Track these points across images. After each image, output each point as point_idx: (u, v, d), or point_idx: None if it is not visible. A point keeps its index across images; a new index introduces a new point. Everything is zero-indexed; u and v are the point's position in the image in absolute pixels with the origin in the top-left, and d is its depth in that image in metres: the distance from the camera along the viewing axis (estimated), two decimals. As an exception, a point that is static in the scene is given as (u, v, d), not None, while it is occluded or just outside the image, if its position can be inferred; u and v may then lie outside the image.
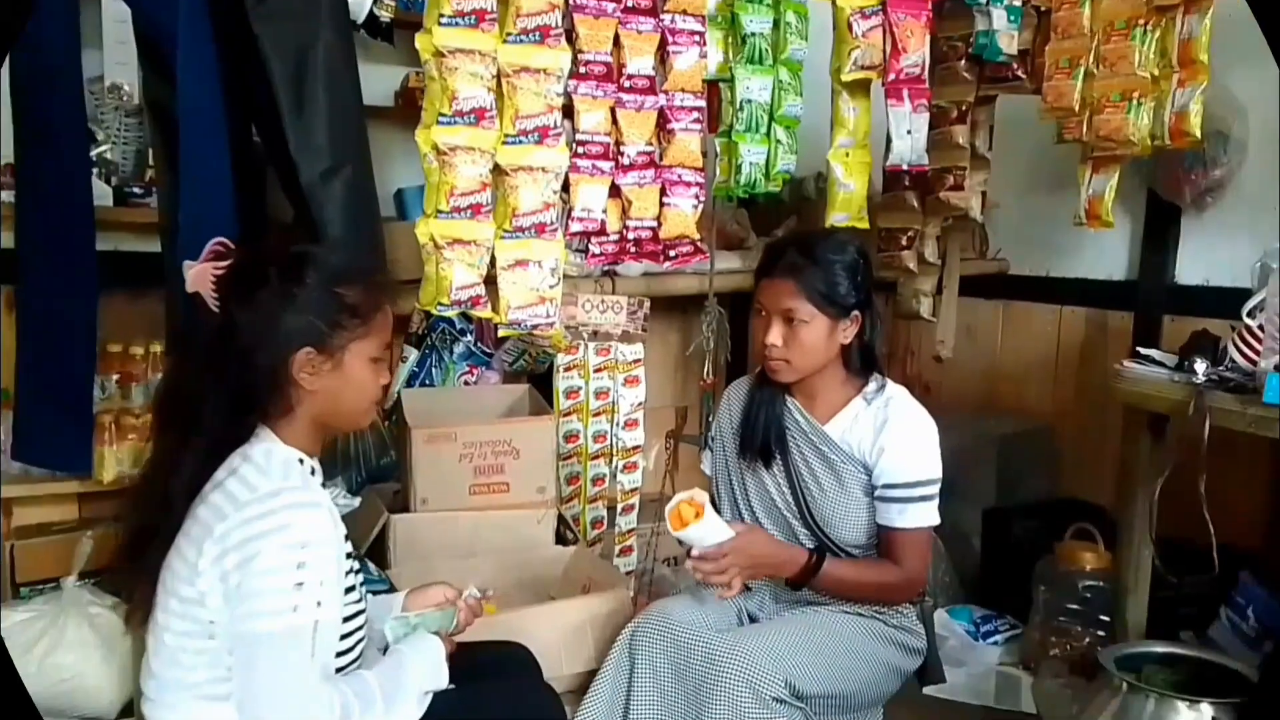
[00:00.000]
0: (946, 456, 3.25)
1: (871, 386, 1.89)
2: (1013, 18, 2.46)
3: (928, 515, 1.83)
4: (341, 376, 1.43)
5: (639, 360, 2.77)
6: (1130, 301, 3.12)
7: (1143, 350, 2.38)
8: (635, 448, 2.78)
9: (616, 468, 2.76)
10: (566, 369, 2.69)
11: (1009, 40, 2.47)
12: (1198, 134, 2.22)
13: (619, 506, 2.79)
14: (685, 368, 3.53)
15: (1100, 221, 2.50)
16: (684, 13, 2.08)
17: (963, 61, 2.64)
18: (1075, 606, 2.65)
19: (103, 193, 2.45)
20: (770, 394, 1.93)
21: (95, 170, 2.48)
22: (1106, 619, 2.59)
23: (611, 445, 2.75)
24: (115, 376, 2.42)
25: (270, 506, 1.33)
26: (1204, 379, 2.13)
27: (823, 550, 1.84)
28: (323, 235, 1.70)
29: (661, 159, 2.12)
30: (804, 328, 1.79)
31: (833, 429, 1.88)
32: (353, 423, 1.52)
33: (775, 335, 1.80)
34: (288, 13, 1.64)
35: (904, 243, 2.88)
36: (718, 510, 1.88)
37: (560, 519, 2.39)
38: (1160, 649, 2.13)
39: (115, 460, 2.40)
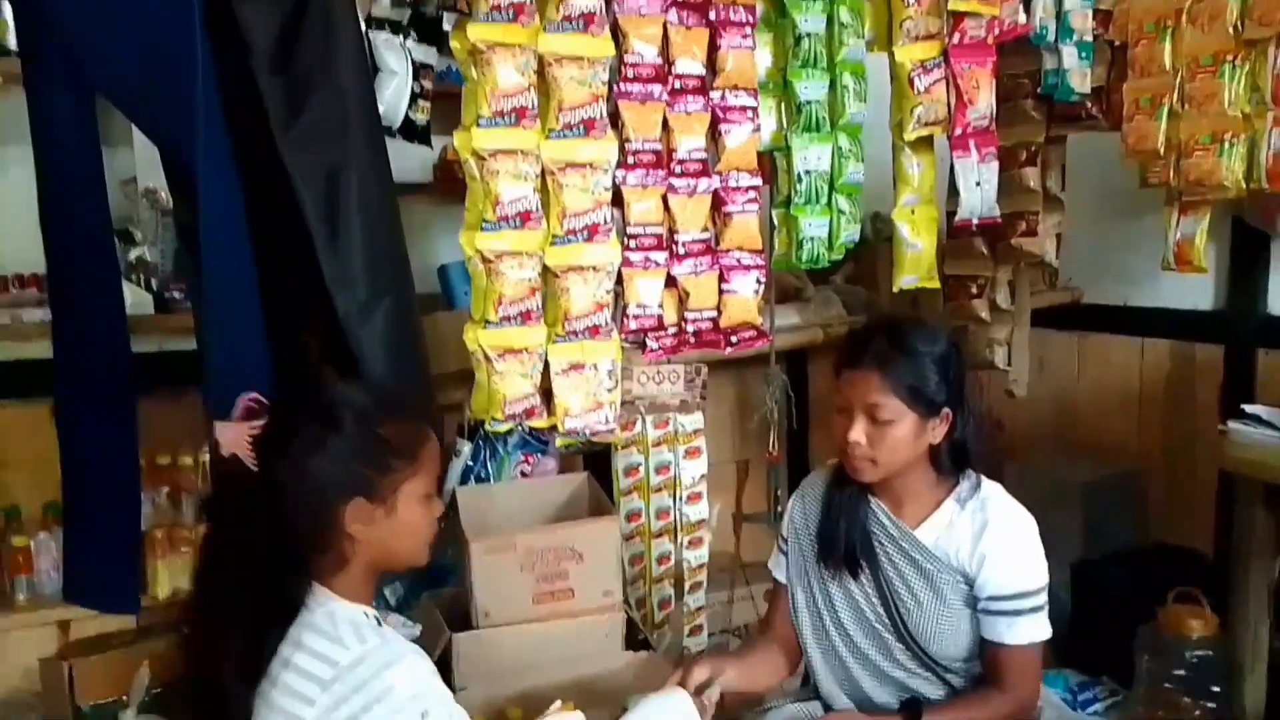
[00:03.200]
0: (1028, 502, 3.10)
1: (964, 487, 1.71)
2: (1084, 54, 2.29)
3: (1039, 629, 1.66)
4: (395, 521, 1.33)
5: (699, 430, 2.64)
6: (1219, 334, 2.93)
7: (1248, 408, 2.20)
8: (700, 522, 2.65)
9: (682, 544, 2.64)
10: (625, 446, 2.57)
11: (1081, 79, 2.30)
12: (1300, 177, 2.04)
13: (686, 584, 2.68)
14: (744, 418, 3.40)
15: (1191, 266, 2.32)
16: (734, 88, 1.95)
17: (1030, 99, 2.48)
18: (1183, 673, 2.48)
19: (142, 300, 2.38)
20: (852, 495, 1.77)
21: (135, 275, 2.43)
22: (1218, 690, 2.41)
23: (676, 521, 2.64)
24: (165, 489, 2.37)
25: (362, 678, 1.24)
26: (1324, 444, 1.96)
27: (916, 705, 1.68)
28: (363, 371, 1.60)
29: (718, 244, 1.99)
30: (890, 425, 1.62)
31: (925, 535, 1.69)
32: (409, 565, 1.42)
33: (859, 433, 1.63)
34: (318, 136, 1.54)
35: (974, 291, 2.72)
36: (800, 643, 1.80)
37: (629, 622, 2.28)
38: (1286, 736, 1.96)
39: (169, 575, 2.35)
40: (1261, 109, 2.08)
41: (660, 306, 1.95)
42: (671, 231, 1.94)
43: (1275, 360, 2.79)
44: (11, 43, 2.15)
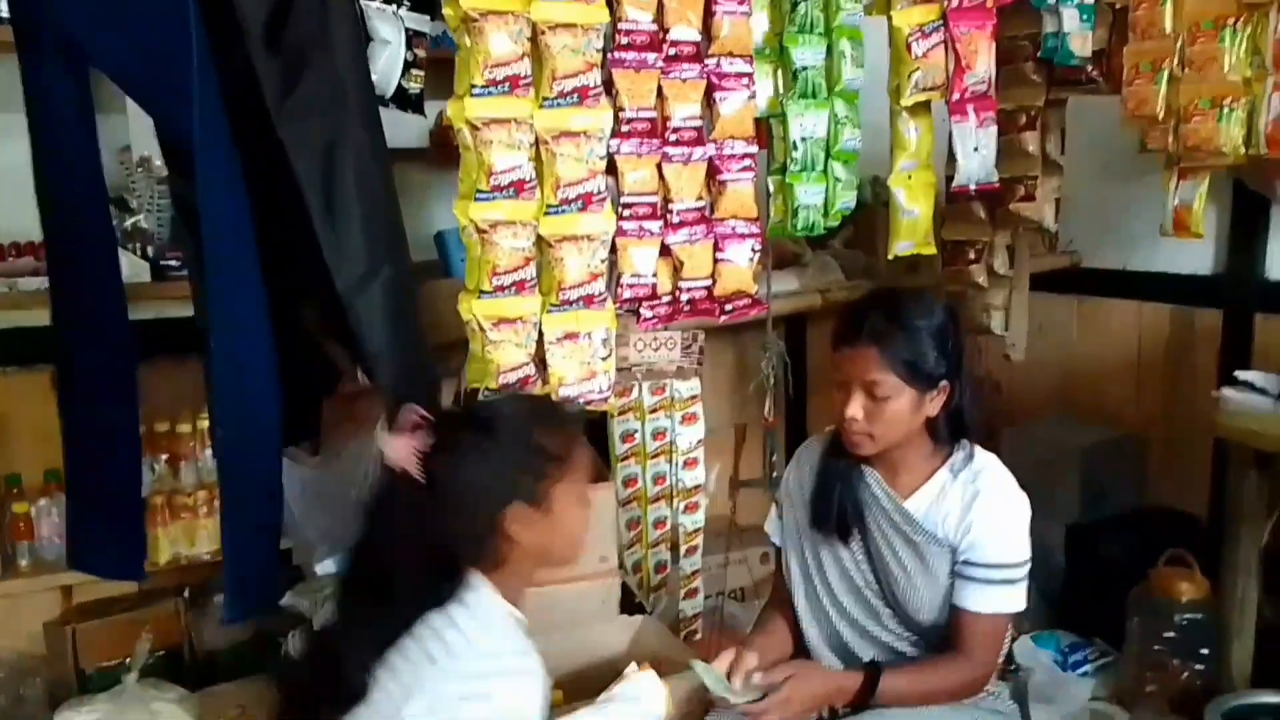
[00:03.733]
0: (1027, 466, 3.11)
1: (959, 457, 1.71)
2: (1085, 17, 2.26)
3: (1008, 600, 1.66)
4: (553, 523, 1.40)
5: (695, 396, 2.65)
6: (1218, 298, 2.92)
7: (1240, 375, 2.20)
8: (696, 487, 2.67)
9: (678, 509, 2.67)
10: (621, 413, 2.58)
11: (1082, 42, 2.27)
12: (1300, 143, 2.02)
13: (682, 548, 2.70)
14: (742, 383, 3.41)
15: (1189, 232, 2.31)
16: (730, 54, 1.93)
17: (1030, 62, 2.44)
18: (1172, 635, 2.51)
19: (139, 268, 2.38)
20: (847, 465, 1.77)
21: (131, 244, 2.42)
22: (1206, 652, 2.45)
23: (672, 486, 2.65)
24: (164, 457, 2.39)
25: (485, 668, 1.31)
26: (1315, 413, 1.97)
27: (876, 666, 1.68)
28: (362, 342, 1.60)
29: (713, 212, 1.98)
30: (888, 401, 1.62)
31: (916, 505, 1.71)
32: (563, 564, 1.53)
33: (856, 408, 1.64)
34: (312, 109, 1.53)
35: (972, 256, 2.71)
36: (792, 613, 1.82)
37: (624, 587, 2.30)
38: (1271, 699, 1.99)
39: (169, 541, 2.38)
40: (1261, 74, 2.06)
41: (654, 276, 1.94)
42: (666, 200, 1.93)
43: (1273, 325, 2.78)
44: (3, 10, 2.14)
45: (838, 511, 1.77)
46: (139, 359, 2.05)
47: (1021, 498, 1.70)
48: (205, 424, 2.37)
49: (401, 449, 1.37)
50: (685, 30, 1.88)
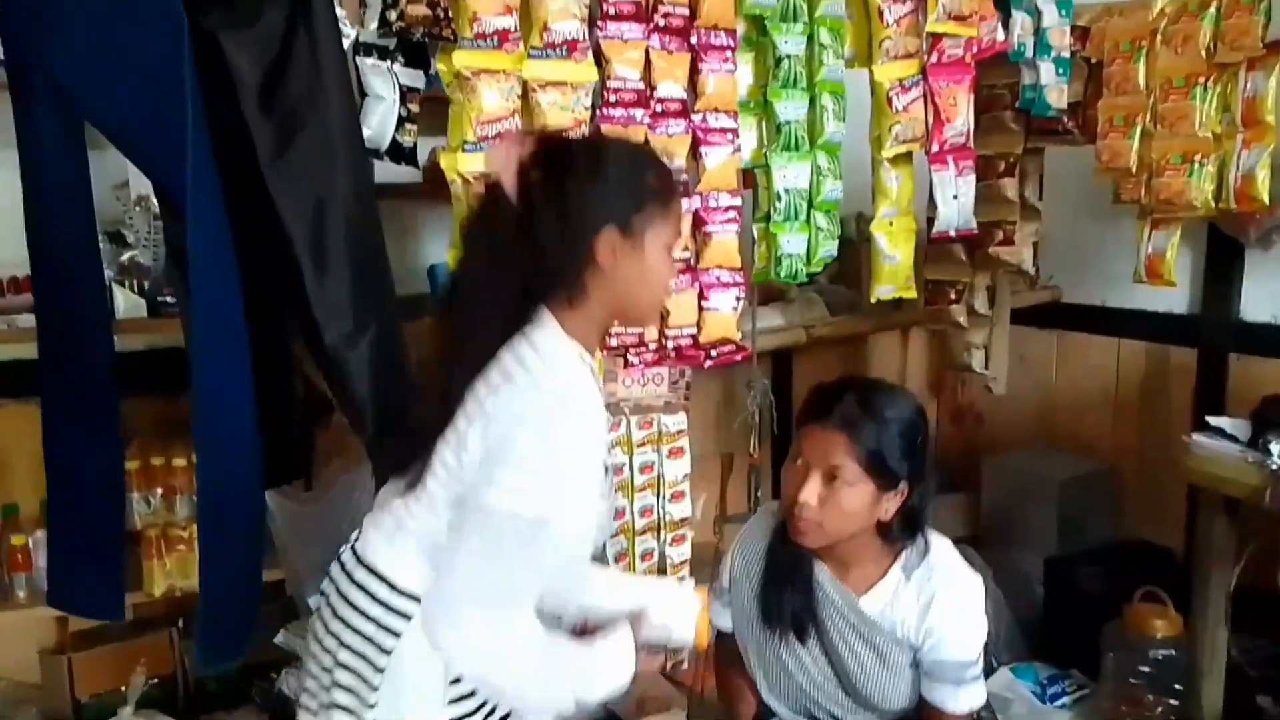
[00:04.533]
0: (1006, 497, 3.12)
1: (911, 553, 1.66)
2: (1061, 70, 2.33)
3: (979, 694, 1.68)
4: (641, 261, 1.36)
5: (683, 431, 2.69)
6: (1193, 337, 2.98)
7: (1212, 420, 2.26)
8: (683, 520, 2.72)
9: (665, 541, 2.71)
10: (609, 447, 2.63)
11: (1058, 94, 2.34)
12: (1265, 199, 2.10)
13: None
14: (728, 412, 3.46)
15: (1162, 280, 2.38)
16: (715, 110, 1.98)
17: (1009, 111, 2.52)
18: (1147, 670, 2.57)
19: (135, 303, 2.42)
20: (794, 556, 1.69)
21: (127, 279, 2.46)
22: (1179, 687, 2.50)
23: (659, 519, 2.70)
24: (159, 490, 2.42)
25: (542, 400, 1.29)
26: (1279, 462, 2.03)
27: None
28: (347, 393, 1.65)
29: (698, 262, 2.04)
30: (846, 490, 1.56)
31: (870, 605, 1.67)
32: (641, 315, 1.51)
33: (811, 493, 1.57)
34: (305, 169, 1.57)
35: (953, 296, 2.77)
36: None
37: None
38: (1240, 737, 2.05)
39: (163, 574, 2.41)
40: (1232, 130, 2.13)
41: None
42: (652, 250, 1.98)
43: (1247, 366, 2.85)
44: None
45: (790, 610, 1.71)
46: (132, 392, 2.08)
47: (976, 588, 1.68)
48: (196, 458, 2.40)
49: (501, 157, 1.35)
50: (672, 87, 1.94)
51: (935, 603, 1.63)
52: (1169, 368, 3.07)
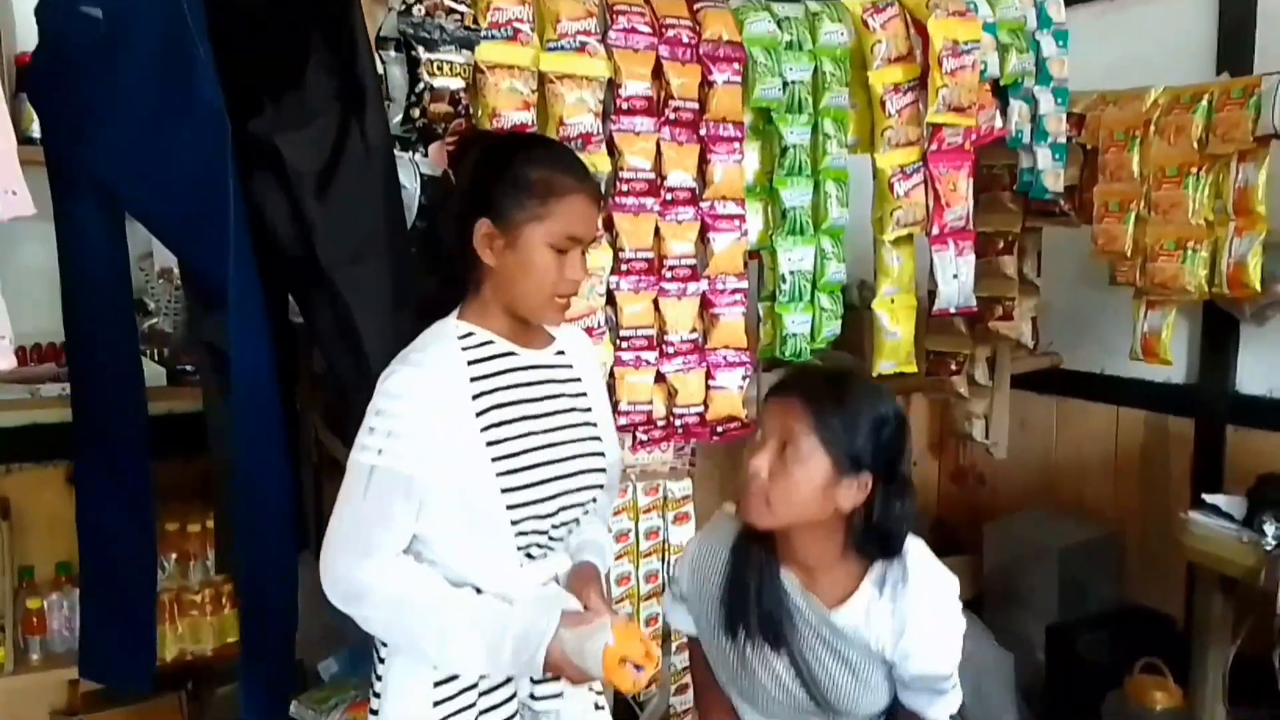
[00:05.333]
0: (1008, 562, 3.10)
1: (880, 566, 1.55)
2: (1058, 156, 2.40)
3: (956, 701, 1.60)
4: (516, 256, 1.40)
5: (688, 496, 2.75)
6: (1191, 408, 3.03)
7: (1208, 498, 2.30)
8: (688, 585, 2.76)
9: (670, 607, 2.75)
10: (615, 512, 2.68)
11: (1054, 178, 2.41)
12: (1257, 286, 2.16)
13: (674, 643, 2.78)
14: (733, 475, 3.50)
15: (1157, 359, 2.43)
16: (723, 198, 2.06)
17: (1007, 192, 2.59)
18: (1147, 742, 2.59)
19: (155, 372, 2.48)
20: (760, 560, 1.58)
21: (148, 346, 2.53)
22: (1180, 759, 2.52)
23: (664, 583, 2.74)
24: (173, 555, 2.46)
25: (392, 367, 1.40)
26: (1274, 543, 2.07)
27: None
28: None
29: (705, 342, 2.10)
30: (798, 465, 1.44)
31: (842, 619, 1.56)
32: (533, 312, 1.46)
33: (764, 460, 1.46)
34: (362, 252, 1.66)
35: (953, 367, 2.83)
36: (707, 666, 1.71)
37: (617, 697, 2.37)
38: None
39: (175, 638, 2.45)
40: (1224, 218, 2.20)
41: (650, 403, 2.05)
42: (661, 332, 2.05)
43: (1244, 438, 2.89)
44: (34, 131, 2.25)
45: (757, 617, 1.59)
46: (149, 457, 2.13)
47: (951, 594, 1.58)
48: (212, 524, 2.45)
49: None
50: (681, 176, 2.01)
51: (911, 620, 1.52)
52: (1167, 437, 3.12)
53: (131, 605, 2.03)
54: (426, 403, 1.36)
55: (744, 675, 1.65)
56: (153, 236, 2.58)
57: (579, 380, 1.54)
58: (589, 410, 1.54)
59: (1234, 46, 2.71)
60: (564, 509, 1.46)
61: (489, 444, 1.39)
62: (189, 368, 2.52)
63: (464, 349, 1.42)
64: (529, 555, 1.45)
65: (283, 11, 1.58)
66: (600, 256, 1.94)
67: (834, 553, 1.54)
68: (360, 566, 1.35)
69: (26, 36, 2.31)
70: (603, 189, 1.94)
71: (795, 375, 1.58)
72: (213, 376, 2.04)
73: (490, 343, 1.44)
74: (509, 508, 1.39)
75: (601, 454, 1.53)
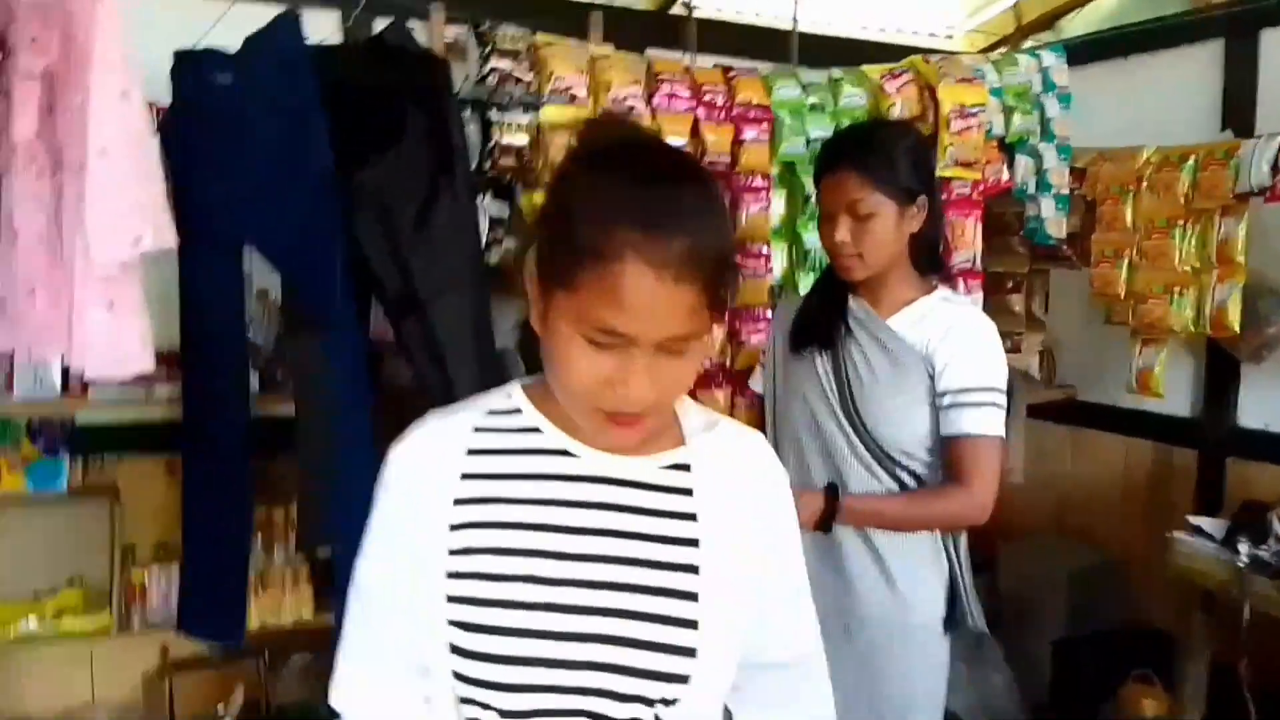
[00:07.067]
0: (1021, 584, 3.29)
1: (939, 292, 1.76)
2: (1060, 206, 2.65)
3: (994, 423, 1.65)
4: (549, 338, 0.89)
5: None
6: (1194, 440, 3.23)
7: (1192, 519, 2.52)
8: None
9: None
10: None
11: (1058, 226, 2.65)
12: (1236, 329, 2.37)
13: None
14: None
15: (1151, 392, 2.65)
16: (752, 240, 2.34)
17: (1015, 236, 2.83)
18: (1138, 748, 2.79)
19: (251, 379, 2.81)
20: (831, 289, 1.79)
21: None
22: (1166, 764, 2.72)
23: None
24: (259, 537, 2.80)
25: None
26: (1247, 560, 2.28)
27: (834, 488, 1.70)
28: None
29: (732, 365, 2.38)
30: (873, 219, 1.65)
31: (896, 322, 1.73)
32: (581, 422, 0.92)
33: (844, 232, 1.66)
34: (455, 281, 1.94)
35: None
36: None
37: None
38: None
39: (259, 611, 2.77)
40: (1207, 266, 2.43)
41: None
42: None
43: (1242, 470, 3.08)
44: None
45: (817, 324, 1.78)
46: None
47: (993, 328, 1.74)
48: (295, 513, 2.78)
49: None
50: (714, 221, 2.30)
51: (957, 327, 1.69)
52: (1172, 467, 3.31)
53: (227, 573, 2.35)
54: (397, 497, 0.97)
55: (794, 394, 1.80)
56: (253, 265, 2.95)
57: (693, 517, 0.94)
58: (691, 568, 0.92)
59: (1238, 106, 2.93)
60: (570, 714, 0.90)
61: (452, 575, 0.91)
62: (279, 377, 2.85)
63: (481, 429, 0.96)
64: None
65: (386, 82, 1.90)
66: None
67: (900, 278, 1.74)
68: (338, 679, 1.01)
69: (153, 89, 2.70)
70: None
71: (829, 150, 1.74)
72: (303, 387, 2.37)
73: (535, 431, 0.96)
74: (460, 678, 0.91)
75: (682, 630, 0.90)
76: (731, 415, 2.37)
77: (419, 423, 0.99)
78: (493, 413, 0.98)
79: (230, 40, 2.04)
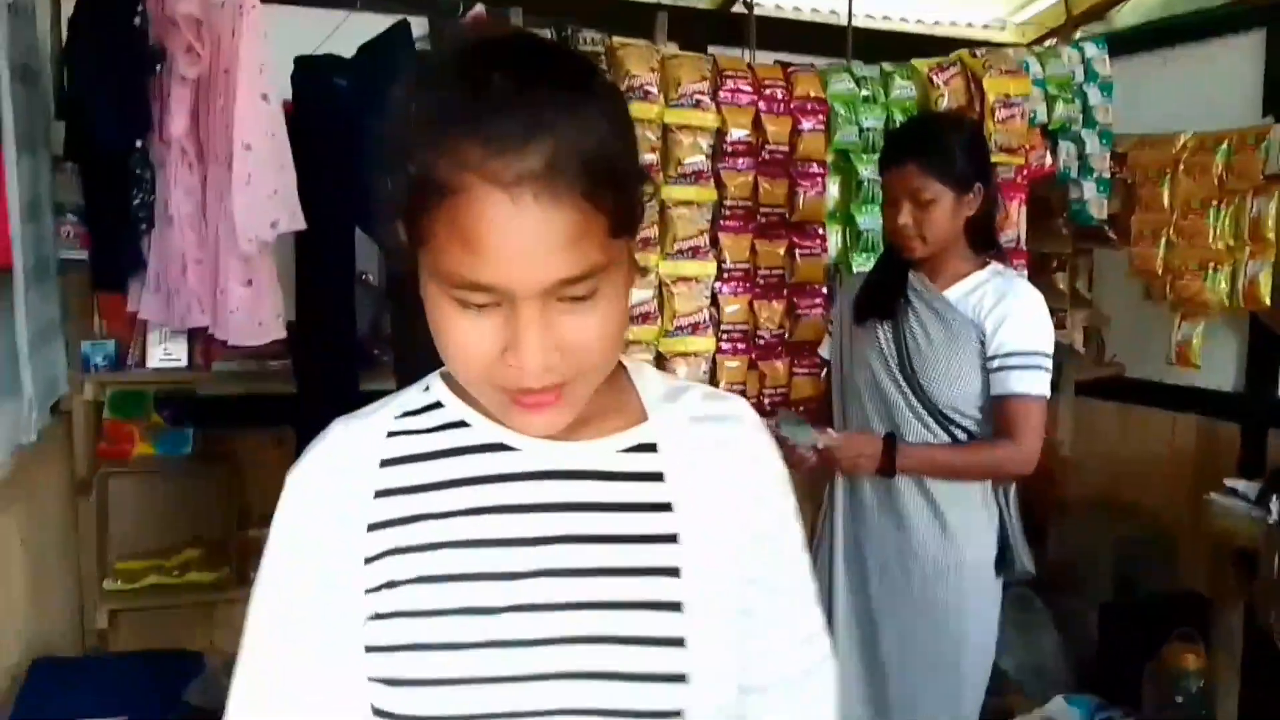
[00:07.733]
0: (1070, 552, 3.46)
1: (992, 267, 1.93)
2: (1102, 189, 2.81)
3: (1043, 383, 1.83)
4: (428, 304, 0.70)
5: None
6: (1237, 414, 3.35)
7: (1228, 481, 2.67)
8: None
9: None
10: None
11: (1099, 208, 2.82)
12: (1266, 302, 2.52)
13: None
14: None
15: (1189, 364, 2.80)
16: (808, 221, 2.56)
17: (1060, 219, 3.00)
18: (1180, 701, 2.94)
19: (350, 355, 3.10)
20: (892, 266, 1.98)
21: (343, 335, 3.15)
22: (1205, 714, 2.87)
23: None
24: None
25: None
26: (1277, 517, 2.43)
27: (892, 437, 1.87)
28: None
29: (790, 337, 2.60)
30: (932, 206, 1.84)
31: (951, 293, 1.91)
32: (473, 393, 0.74)
33: (906, 217, 1.85)
34: None
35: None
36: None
37: None
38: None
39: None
40: (1240, 244, 2.58)
41: (744, 383, 2.56)
42: (755, 328, 2.56)
43: (1283, 442, 3.20)
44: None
45: (879, 295, 1.96)
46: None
47: (1042, 300, 1.91)
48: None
49: None
50: (773, 207, 2.52)
51: (1008, 297, 1.86)
52: (1218, 441, 3.44)
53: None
54: (295, 534, 0.78)
55: (856, 357, 1.99)
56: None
57: (667, 507, 0.76)
58: (671, 570, 0.74)
59: (1279, 92, 3.05)
60: None
61: (372, 618, 0.73)
62: (376, 351, 3.13)
63: (396, 434, 0.78)
64: None
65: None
66: (707, 267, 2.46)
67: (956, 256, 1.92)
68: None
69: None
70: (711, 213, 2.47)
71: (892, 143, 1.94)
72: (401, 361, 2.63)
73: (461, 425, 0.78)
74: None
75: (667, 651, 0.73)
76: (790, 386, 2.61)
77: (320, 437, 0.80)
78: (408, 413, 0.79)
79: (342, 47, 2.33)
